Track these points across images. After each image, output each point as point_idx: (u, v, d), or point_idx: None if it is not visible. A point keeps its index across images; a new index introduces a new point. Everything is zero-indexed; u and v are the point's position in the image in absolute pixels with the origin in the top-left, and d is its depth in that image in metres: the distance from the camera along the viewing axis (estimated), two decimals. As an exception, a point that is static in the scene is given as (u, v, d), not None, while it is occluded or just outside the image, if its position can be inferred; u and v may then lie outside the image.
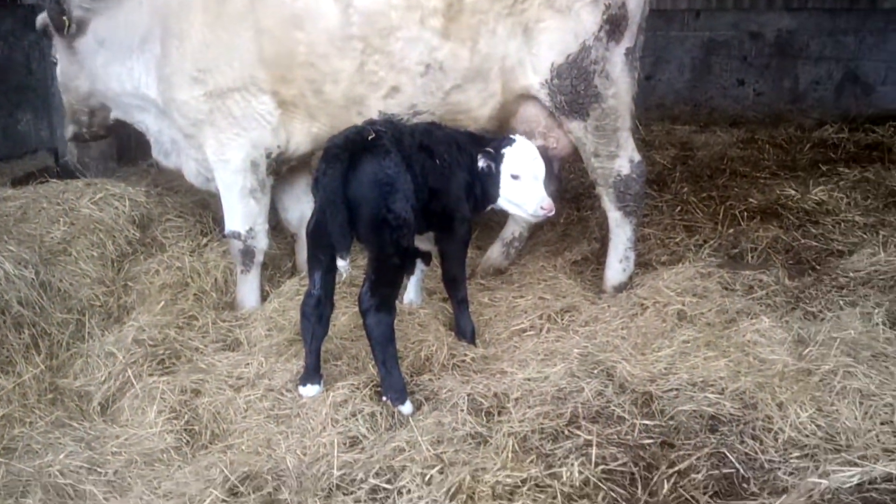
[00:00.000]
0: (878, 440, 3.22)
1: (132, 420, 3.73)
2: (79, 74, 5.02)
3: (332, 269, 3.71)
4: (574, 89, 4.48)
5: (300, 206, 5.24)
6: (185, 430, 3.65)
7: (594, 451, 3.16)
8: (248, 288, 4.87)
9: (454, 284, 4.26)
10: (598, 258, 5.16)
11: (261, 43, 4.39)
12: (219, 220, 5.25)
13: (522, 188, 4.07)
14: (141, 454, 3.49)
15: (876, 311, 4.23)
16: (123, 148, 7.18)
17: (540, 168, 4.10)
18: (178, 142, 4.98)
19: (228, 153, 4.64)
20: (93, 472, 3.38)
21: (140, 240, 5.28)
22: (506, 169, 4.07)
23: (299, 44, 4.35)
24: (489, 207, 4.27)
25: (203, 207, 5.80)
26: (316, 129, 4.64)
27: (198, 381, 3.92)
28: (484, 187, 4.14)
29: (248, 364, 4.07)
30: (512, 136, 4.20)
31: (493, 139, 4.21)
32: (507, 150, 4.08)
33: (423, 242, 4.41)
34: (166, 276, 4.90)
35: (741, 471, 3.10)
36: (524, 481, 2.99)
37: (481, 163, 4.07)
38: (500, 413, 3.54)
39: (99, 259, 4.93)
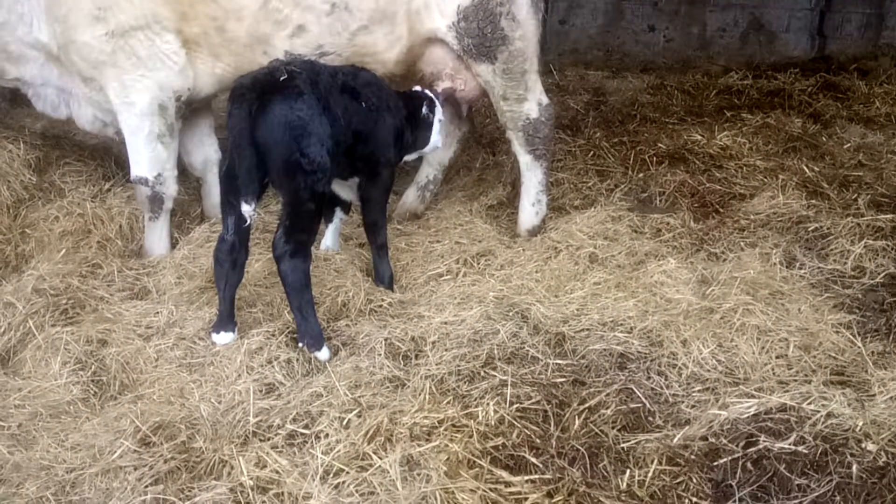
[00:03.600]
0: (774, 373, 3.42)
1: (35, 372, 3.58)
2: None
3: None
4: (481, 32, 4.48)
5: (204, 150, 5.06)
6: (93, 381, 3.54)
7: (509, 390, 3.24)
8: (156, 235, 4.70)
9: (374, 229, 4.24)
10: (514, 202, 5.21)
11: (160, -23, 4.17)
12: (122, 164, 5.02)
13: (438, 131, 4.44)
14: (46, 407, 3.36)
15: (774, 251, 4.45)
16: (17, 87, 6.72)
17: None
18: (67, 90, 4.69)
19: (133, 95, 4.42)
20: (-5, 427, 3.25)
21: (37, 185, 5.00)
22: (437, 116, 4.37)
23: None
24: (415, 155, 4.52)
25: (105, 151, 5.53)
26: (220, 69, 4.47)
27: (104, 331, 3.78)
28: (417, 134, 4.34)
29: (157, 313, 3.95)
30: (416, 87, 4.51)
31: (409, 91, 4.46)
32: (434, 99, 4.41)
33: (344, 190, 4.36)
34: (67, 223, 4.67)
35: (647, 405, 3.24)
36: (441, 422, 3.04)
37: (424, 110, 4.30)
38: (417, 356, 3.57)
39: (-7, 205, 4.67)
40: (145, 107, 4.45)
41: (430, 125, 4.38)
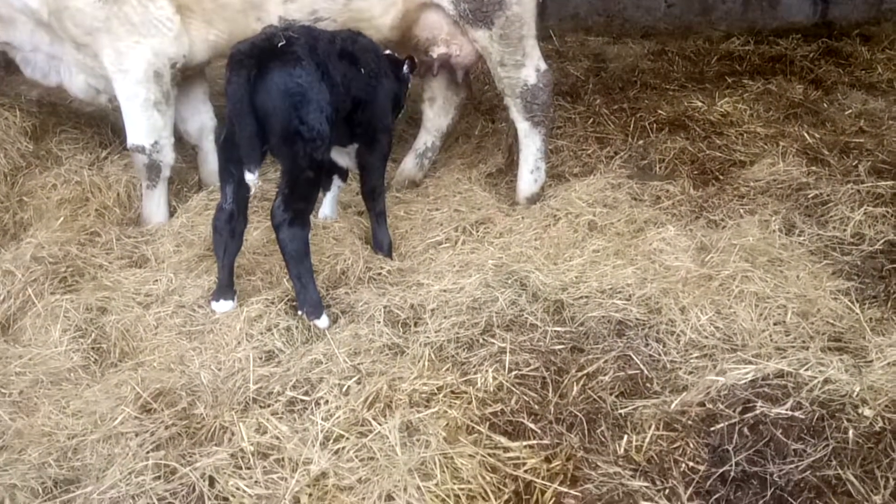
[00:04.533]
0: (771, 339, 3.44)
1: (35, 339, 3.60)
2: None
3: (245, 181, 3.61)
4: None
5: (199, 117, 5.02)
6: (93, 348, 3.56)
7: (508, 357, 3.26)
8: (154, 203, 4.69)
9: (373, 196, 4.23)
10: (513, 170, 5.19)
11: (153, -60, 4.11)
12: (119, 132, 4.99)
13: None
14: (47, 374, 3.39)
15: (773, 218, 4.44)
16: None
17: None
18: (58, 57, 4.64)
19: (127, 63, 4.38)
20: (-4, 394, 3.27)
21: (34, 152, 4.97)
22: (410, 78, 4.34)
23: None
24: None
25: (101, 118, 5.49)
26: (213, 36, 4.43)
27: (104, 299, 3.80)
28: (401, 95, 4.26)
29: (156, 280, 3.96)
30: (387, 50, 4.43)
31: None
32: (411, 60, 4.34)
33: (342, 157, 4.34)
34: (64, 191, 4.66)
35: (645, 371, 3.25)
36: (440, 388, 3.06)
37: (406, 69, 4.23)
38: (416, 324, 3.58)
39: (-11, 173, 4.65)
40: (140, 74, 4.41)
41: (407, 87, 4.35)
